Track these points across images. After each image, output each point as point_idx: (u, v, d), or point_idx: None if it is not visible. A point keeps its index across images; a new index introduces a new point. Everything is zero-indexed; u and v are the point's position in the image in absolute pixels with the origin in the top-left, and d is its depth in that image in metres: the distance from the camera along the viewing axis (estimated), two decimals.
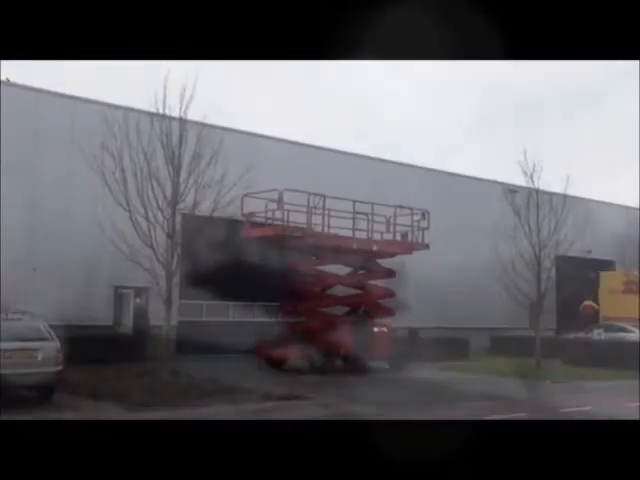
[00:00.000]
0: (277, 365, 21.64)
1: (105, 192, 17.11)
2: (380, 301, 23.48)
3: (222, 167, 17.64)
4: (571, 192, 24.97)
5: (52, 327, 14.28)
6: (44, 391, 13.78)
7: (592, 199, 35.33)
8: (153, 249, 17.01)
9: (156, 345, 18.70)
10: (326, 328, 21.57)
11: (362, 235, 22.78)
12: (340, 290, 23.63)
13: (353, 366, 21.25)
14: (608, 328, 30.20)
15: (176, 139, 17.43)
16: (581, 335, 29.58)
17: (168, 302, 17.30)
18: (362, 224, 22.80)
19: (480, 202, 31.63)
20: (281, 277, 22.65)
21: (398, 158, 31.57)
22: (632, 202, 33.11)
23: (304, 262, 22.77)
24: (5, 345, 12.99)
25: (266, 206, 21.38)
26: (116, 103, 22.08)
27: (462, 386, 18.97)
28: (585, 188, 39.31)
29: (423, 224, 23.83)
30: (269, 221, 21.94)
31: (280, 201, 20.90)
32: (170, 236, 17.23)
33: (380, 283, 23.52)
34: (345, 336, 21.40)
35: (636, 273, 29.62)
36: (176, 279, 17.96)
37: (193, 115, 17.82)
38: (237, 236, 22.42)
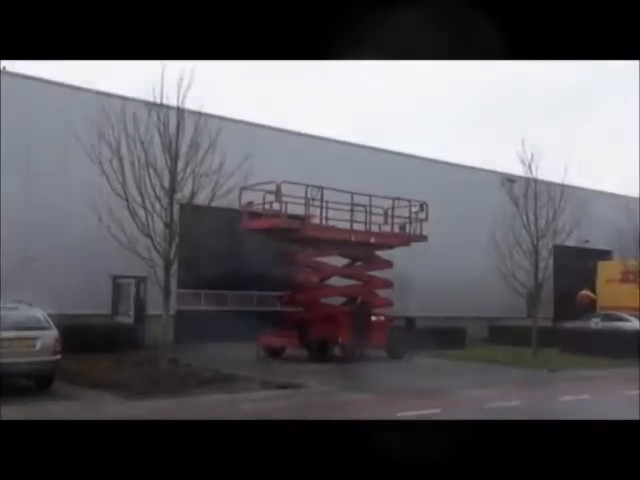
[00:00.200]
0: (276, 354, 21.74)
1: (102, 181, 17.06)
2: (378, 291, 23.53)
3: (220, 156, 17.58)
4: (569, 182, 25.00)
5: (50, 316, 14.25)
6: (42, 380, 13.78)
7: (590, 189, 35.38)
8: (151, 238, 16.97)
9: (154, 334, 18.77)
10: (324, 318, 21.66)
11: (360, 227, 22.79)
12: (338, 281, 23.68)
13: (351, 355, 21.35)
14: (605, 317, 30.35)
15: (173, 128, 17.34)
16: (578, 324, 29.70)
17: (166, 291, 17.30)
18: (360, 216, 22.80)
19: (478, 192, 31.62)
20: (279, 267, 22.70)
21: (396, 148, 31.57)
22: (630, 192, 33.09)
23: (302, 253, 22.78)
24: (3, 334, 12.94)
25: (264, 198, 21.35)
26: (113, 92, 22.01)
27: (458, 375, 19.09)
28: (583, 178, 39.38)
29: (421, 216, 23.83)
30: (267, 213, 21.92)
31: (278, 193, 20.88)
32: (168, 225, 17.21)
33: (378, 274, 23.56)
34: (343, 325, 21.50)
35: (633, 262, 29.65)
36: (174, 268, 17.97)
37: (190, 104, 17.78)
38: (235, 226, 22.41)
